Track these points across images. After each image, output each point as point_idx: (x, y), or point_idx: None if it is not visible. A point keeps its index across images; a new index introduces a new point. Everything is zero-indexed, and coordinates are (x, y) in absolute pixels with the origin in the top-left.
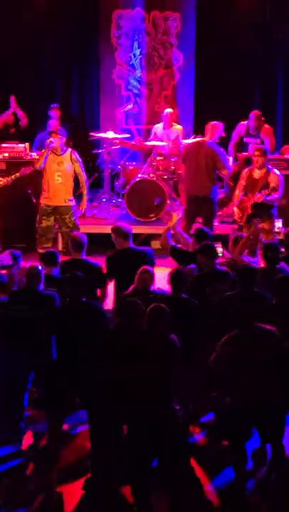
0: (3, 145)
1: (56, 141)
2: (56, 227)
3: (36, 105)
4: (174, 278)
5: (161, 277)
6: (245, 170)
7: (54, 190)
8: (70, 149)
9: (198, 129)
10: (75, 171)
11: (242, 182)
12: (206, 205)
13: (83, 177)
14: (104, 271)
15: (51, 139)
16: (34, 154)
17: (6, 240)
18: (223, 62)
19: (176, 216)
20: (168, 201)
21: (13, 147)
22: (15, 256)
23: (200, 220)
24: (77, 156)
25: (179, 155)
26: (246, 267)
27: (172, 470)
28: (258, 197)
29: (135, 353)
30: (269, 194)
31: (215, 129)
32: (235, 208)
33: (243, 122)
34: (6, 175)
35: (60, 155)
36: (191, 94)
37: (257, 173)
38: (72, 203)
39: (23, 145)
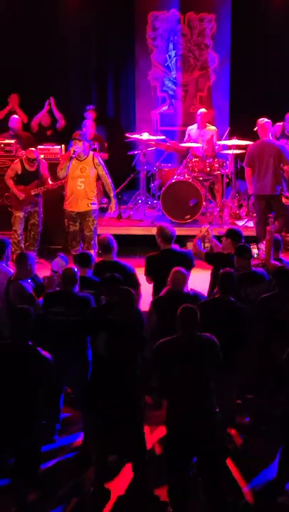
0: (40, 147)
1: (79, 147)
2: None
3: (72, 107)
4: (223, 280)
5: (199, 279)
6: None
7: (76, 196)
8: (92, 153)
9: (234, 131)
10: (98, 174)
11: None
12: (275, 202)
13: (107, 179)
14: (144, 271)
15: (74, 147)
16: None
17: (45, 240)
18: (258, 63)
19: (205, 228)
20: (203, 202)
21: (49, 149)
22: (62, 258)
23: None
24: (100, 159)
25: (214, 156)
26: (282, 268)
27: (210, 472)
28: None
29: (175, 354)
30: None
31: (269, 125)
32: None
33: (278, 123)
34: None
35: (83, 160)
36: (226, 95)
37: None
38: (95, 206)
39: (59, 147)
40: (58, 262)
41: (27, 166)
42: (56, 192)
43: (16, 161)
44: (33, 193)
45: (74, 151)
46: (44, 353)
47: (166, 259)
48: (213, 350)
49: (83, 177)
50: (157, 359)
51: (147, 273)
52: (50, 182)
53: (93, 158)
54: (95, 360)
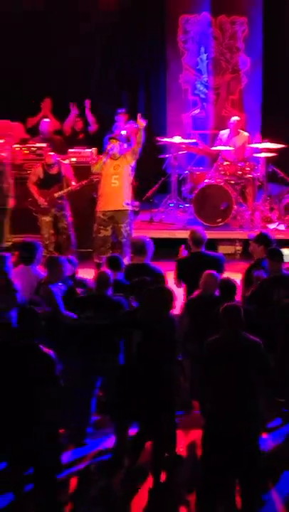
0: (71, 150)
1: (116, 147)
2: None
3: (104, 110)
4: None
5: None
6: None
7: (111, 193)
8: (125, 152)
9: (266, 134)
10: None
11: None
12: None
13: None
14: (174, 275)
15: (111, 145)
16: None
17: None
18: None
19: None
20: (234, 206)
21: (80, 152)
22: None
23: None
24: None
25: (246, 159)
26: None
27: (250, 474)
28: None
29: (220, 353)
30: None
31: None
32: None
33: None
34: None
35: (117, 159)
36: (258, 98)
37: None
38: (130, 208)
39: (90, 150)
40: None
41: (48, 170)
42: (85, 195)
43: (37, 166)
44: (56, 196)
45: (109, 149)
46: (47, 350)
47: (197, 263)
48: (258, 352)
49: (117, 174)
50: (204, 358)
51: (178, 276)
52: (74, 184)
53: (125, 155)
54: (127, 363)
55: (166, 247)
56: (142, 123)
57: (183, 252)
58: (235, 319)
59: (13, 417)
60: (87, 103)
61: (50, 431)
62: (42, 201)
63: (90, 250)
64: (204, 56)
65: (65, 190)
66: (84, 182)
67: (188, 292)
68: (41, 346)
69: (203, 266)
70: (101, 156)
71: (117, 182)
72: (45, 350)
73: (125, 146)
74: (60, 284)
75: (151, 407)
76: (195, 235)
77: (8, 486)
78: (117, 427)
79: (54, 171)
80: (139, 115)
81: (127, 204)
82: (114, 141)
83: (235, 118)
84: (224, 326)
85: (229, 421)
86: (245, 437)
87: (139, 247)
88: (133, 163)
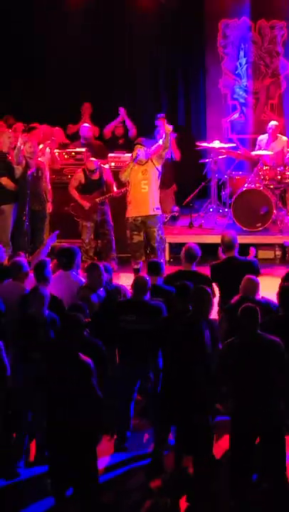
0: (110, 155)
1: (141, 152)
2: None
3: (143, 115)
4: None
5: (267, 287)
6: None
7: (140, 199)
8: (151, 156)
9: None
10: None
11: None
12: None
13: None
14: None
15: (136, 152)
16: None
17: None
18: None
19: None
20: (274, 211)
21: (120, 157)
22: (107, 269)
23: None
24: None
25: (285, 164)
26: None
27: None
28: None
29: (239, 353)
30: None
31: None
32: None
33: None
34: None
35: (144, 164)
36: None
37: None
38: (160, 212)
39: (130, 155)
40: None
41: (90, 175)
42: (122, 201)
43: (78, 171)
44: (98, 201)
45: (136, 156)
46: (86, 359)
47: (231, 267)
48: (277, 351)
49: (146, 179)
50: (223, 358)
51: (212, 281)
52: (116, 189)
53: (152, 160)
54: (166, 367)
55: (205, 253)
56: (168, 128)
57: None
58: (253, 320)
59: (57, 423)
60: (123, 109)
61: (88, 438)
62: (86, 204)
63: (129, 255)
64: (243, 60)
65: (107, 196)
66: (125, 188)
67: (223, 297)
68: (80, 354)
69: (237, 270)
70: (128, 164)
71: (146, 187)
72: (84, 358)
73: (153, 148)
74: (100, 290)
75: (185, 410)
76: (225, 239)
77: (49, 490)
78: (156, 430)
79: (95, 176)
80: (164, 120)
81: (157, 209)
82: (139, 146)
83: (273, 122)
84: (242, 327)
85: (252, 419)
86: (268, 436)
87: (192, 255)
88: (160, 166)
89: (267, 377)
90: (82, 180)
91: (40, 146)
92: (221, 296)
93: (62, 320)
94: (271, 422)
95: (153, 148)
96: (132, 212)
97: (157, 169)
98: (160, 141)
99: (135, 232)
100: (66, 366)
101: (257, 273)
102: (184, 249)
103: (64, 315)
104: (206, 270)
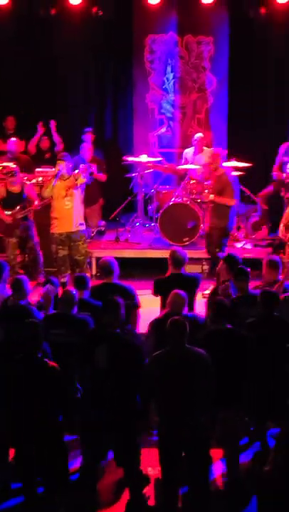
0: (37, 169)
1: (63, 167)
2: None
3: (71, 130)
4: (214, 306)
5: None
6: None
7: (64, 216)
8: (74, 172)
9: (232, 152)
10: (79, 182)
11: None
12: None
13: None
14: (152, 292)
15: (58, 167)
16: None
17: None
18: (256, 84)
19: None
20: (201, 225)
21: (47, 171)
22: (53, 283)
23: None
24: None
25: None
26: (267, 290)
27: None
28: None
29: (166, 365)
30: None
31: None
32: (281, 225)
33: (285, 143)
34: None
35: (66, 179)
36: (224, 117)
37: None
38: (84, 227)
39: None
40: (48, 287)
41: (11, 190)
42: (47, 216)
43: (0, 185)
44: (19, 216)
45: (58, 171)
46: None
47: (175, 283)
48: (203, 364)
49: (69, 195)
50: (150, 371)
51: (155, 295)
52: (36, 203)
53: (75, 175)
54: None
55: (131, 267)
56: (82, 179)
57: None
58: (181, 333)
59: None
60: (52, 123)
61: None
62: (7, 219)
63: (55, 269)
64: (171, 75)
65: (27, 210)
66: (46, 202)
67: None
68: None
69: (180, 286)
70: (50, 179)
71: (69, 204)
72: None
73: (81, 166)
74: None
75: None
76: (175, 256)
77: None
78: (82, 445)
79: (16, 190)
80: (91, 135)
81: (81, 224)
82: (61, 162)
83: (198, 135)
84: (170, 340)
85: (177, 431)
86: (193, 448)
87: (106, 268)
88: (82, 184)
89: (192, 390)
90: (4, 195)
91: None
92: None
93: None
94: (196, 434)
95: (80, 168)
96: (57, 228)
97: (79, 185)
98: (78, 178)
99: (60, 247)
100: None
101: (197, 288)
102: (100, 263)
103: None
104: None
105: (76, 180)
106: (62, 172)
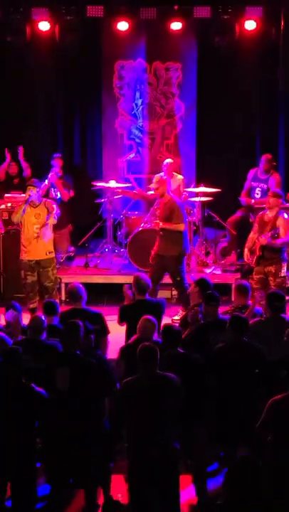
0: (7, 195)
1: (34, 194)
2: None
3: (39, 155)
4: (165, 334)
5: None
6: (260, 213)
7: (33, 244)
8: (44, 199)
9: (201, 178)
10: (50, 222)
11: (255, 224)
12: None
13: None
14: (117, 319)
15: (28, 192)
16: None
17: (8, 290)
18: (224, 110)
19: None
20: None
21: (16, 197)
22: (16, 308)
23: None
24: (52, 205)
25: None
26: (237, 315)
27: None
28: (263, 239)
29: (136, 390)
30: (274, 236)
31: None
32: (245, 249)
33: (253, 169)
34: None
35: (37, 206)
36: (193, 143)
37: (267, 216)
38: (53, 255)
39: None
40: (11, 313)
41: None
42: (16, 242)
43: None
44: None
45: (28, 197)
46: (38, 389)
47: (141, 309)
48: (173, 388)
49: (38, 223)
50: (121, 397)
51: (121, 321)
52: None
53: (45, 204)
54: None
55: (101, 293)
56: (53, 221)
57: (128, 291)
58: (151, 358)
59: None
60: (20, 149)
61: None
62: None
63: (23, 295)
64: (139, 101)
65: None
66: (10, 227)
67: (130, 338)
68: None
69: (146, 312)
70: (20, 205)
71: (39, 231)
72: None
73: (52, 191)
74: None
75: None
76: (139, 283)
77: None
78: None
79: None
80: (60, 160)
81: (50, 253)
82: (31, 187)
83: (168, 160)
84: (141, 366)
85: (146, 450)
86: (162, 467)
87: (74, 294)
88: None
89: (162, 411)
90: None
91: None
92: (127, 338)
93: None
94: (166, 452)
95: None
96: (25, 255)
97: (49, 214)
98: (50, 218)
99: (29, 273)
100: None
101: (163, 313)
102: (68, 289)
103: None
104: (103, 310)
105: (47, 219)
106: (32, 198)
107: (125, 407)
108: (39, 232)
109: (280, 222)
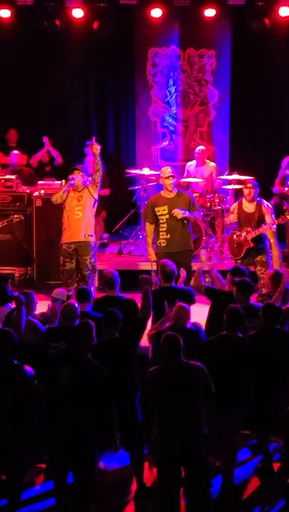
0: (40, 182)
1: (78, 178)
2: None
3: (73, 143)
4: (230, 316)
5: (198, 314)
6: (234, 204)
7: (74, 225)
8: (89, 184)
9: (234, 166)
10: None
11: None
12: None
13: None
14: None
15: (73, 175)
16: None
17: (44, 276)
18: (258, 98)
19: (204, 258)
20: (204, 237)
21: (50, 184)
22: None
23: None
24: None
25: (214, 191)
26: (270, 304)
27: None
28: (265, 228)
29: (163, 380)
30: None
31: None
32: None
33: (287, 156)
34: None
35: (80, 191)
36: (226, 130)
37: (249, 207)
38: (93, 239)
39: (59, 182)
40: (58, 290)
41: None
42: (53, 227)
43: None
44: None
45: (72, 178)
46: (28, 368)
47: (166, 296)
48: (200, 376)
49: (80, 205)
50: (148, 386)
51: None
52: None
53: (89, 188)
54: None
55: (135, 279)
56: (96, 147)
57: (155, 279)
58: (174, 347)
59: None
60: (46, 139)
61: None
62: None
63: (60, 282)
64: (173, 89)
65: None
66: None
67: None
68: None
69: (171, 299)
70: (62, 186)
71: (80, 213)
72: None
73: (89, 179)
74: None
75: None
76: (164, 269)
77: None
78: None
79: None
80: (93, 138)
81: (90, 235)
82: (77, 172)
83: (200, 147)
84: (164, 355)
85: (175, 441)
86: (190, 455)
87: (109, 280)
88: (96, 195)
89: (190, 402)
90: None
91: None
92: (152, 324)
93: None
94: (194, 446)
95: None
96: (66, 238)
97: (93, 197)
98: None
99: (67, 259)
100: None
101: (192, 301)
102: (102, 276)
103: None
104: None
105: (89, 190)
106: (75, 181)
107: (152, 395)
108: (80, 214)
109: (265, 210)
